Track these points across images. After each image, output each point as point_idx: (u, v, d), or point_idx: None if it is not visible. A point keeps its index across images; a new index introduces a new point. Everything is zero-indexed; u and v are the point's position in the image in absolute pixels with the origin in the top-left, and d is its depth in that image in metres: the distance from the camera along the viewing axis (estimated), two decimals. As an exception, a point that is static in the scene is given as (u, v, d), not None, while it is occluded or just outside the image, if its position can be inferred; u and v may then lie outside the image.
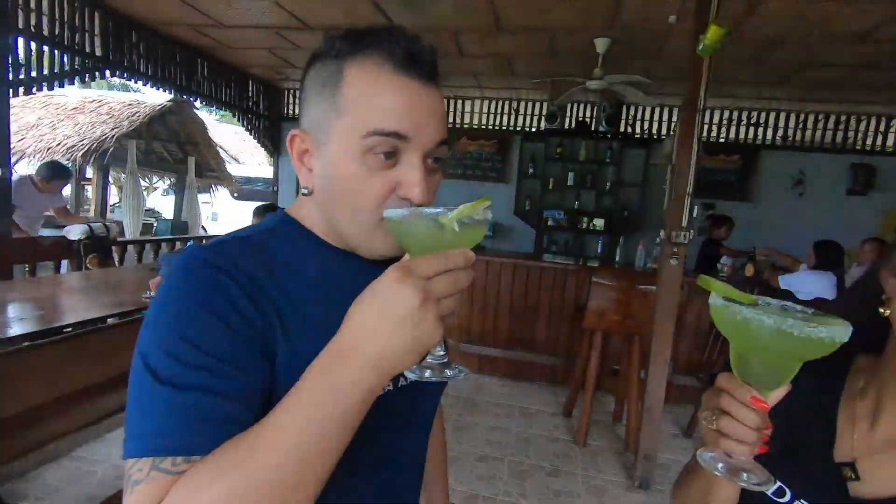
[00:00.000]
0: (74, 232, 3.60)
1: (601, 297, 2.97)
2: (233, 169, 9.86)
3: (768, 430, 0.49)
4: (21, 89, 3.51)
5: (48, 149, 5.71)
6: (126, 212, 6.59)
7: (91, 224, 3.82)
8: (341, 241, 0.61)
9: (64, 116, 6.18)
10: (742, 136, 5.71)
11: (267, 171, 9.36)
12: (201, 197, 8.56)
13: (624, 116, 5.86)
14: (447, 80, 5.51)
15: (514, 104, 6.21)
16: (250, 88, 6.08)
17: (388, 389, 0.59)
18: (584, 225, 5.89)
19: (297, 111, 6.76)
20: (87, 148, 5.65)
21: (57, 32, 3.65)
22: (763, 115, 5.62)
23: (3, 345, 1.76)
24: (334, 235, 0.61)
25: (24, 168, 6.36)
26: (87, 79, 3.98)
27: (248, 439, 0.44)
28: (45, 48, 3.63)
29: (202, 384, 0.46)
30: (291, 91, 6.71)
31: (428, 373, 0.49)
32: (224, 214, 12.14)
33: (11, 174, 3.54)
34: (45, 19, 3.57)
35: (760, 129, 5.65)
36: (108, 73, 4.11)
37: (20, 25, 3.42)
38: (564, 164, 5.93)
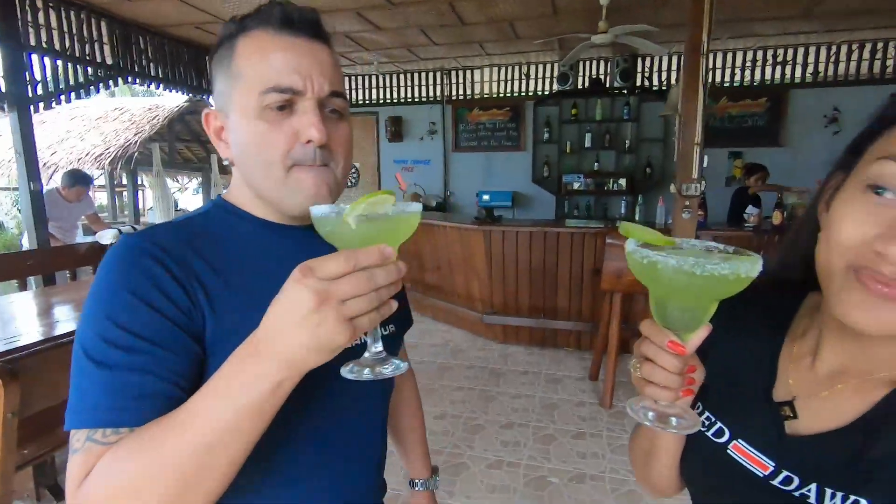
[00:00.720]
0: (106, 237, 3.78)
1: (616, 258, 2.92)
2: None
3: (692, 373, 0.49)
4: (41, 105, 3.67)
5: (79, 159, 5.97)
6: (157, 213, 6.86)
7: (120, 228, 4.01)
8: (267, 212, 0.65)
9: (90, 127, 6.44)
10: (769, 76, 5.40)
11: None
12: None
13: (640, 69, 5.62)
14: (451, 52, 5.41)
15: (524, 69, 6.05)
16: (260, 81, 6.15)
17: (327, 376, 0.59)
18: (608, 186, 5.75)
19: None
20: (113, 155, 5.88)
21: (67, 45, 3.78)
22: (791, 51, 5.28)
23: (51, 342, 1.89)
24: (261, 206, 0.65)
25: (59, 179, 6.70)
26: (100, 88, 4.11)
27: (168, 420, 0.47)
28: (59, 62, 3.77)
29: (129, 363, 0.50)
30: (301, 79, 6.74)
31: (367, 372, 0.49)
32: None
33: (42, 187, 3.73)
34: (55, 34, 3.69)
35: (788, 68, 5.32)
36: (120, 80, 4.24)
37: (32, 43, 3.55)
38: (580, 125, 5.78)
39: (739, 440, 0.53)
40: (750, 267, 0.42)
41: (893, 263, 0.40)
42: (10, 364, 1.34)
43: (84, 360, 0.50)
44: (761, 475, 0.50)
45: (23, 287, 3.47)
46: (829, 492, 0.45)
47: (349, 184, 6.88)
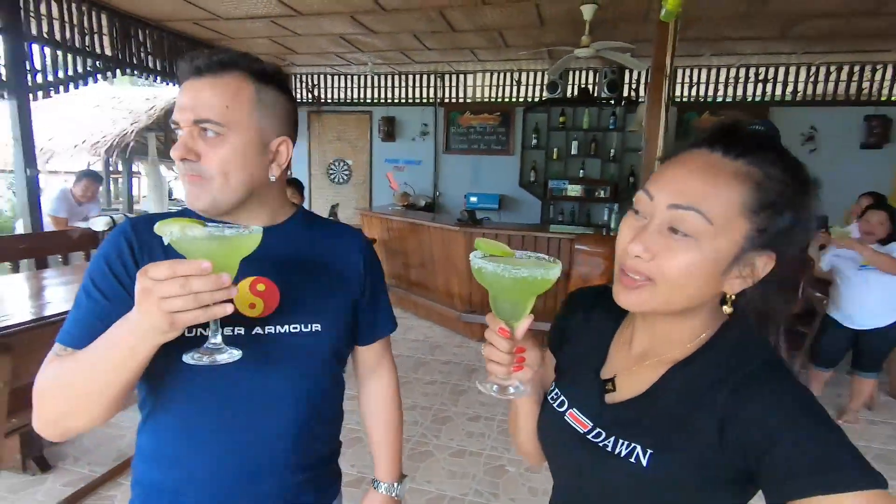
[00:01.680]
0: (98, 224, 3.91)
1: (584, 263, 3.08)
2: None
3: (521, 352, 0.63)
4: (40, 93, 3.78)
5: (75, 146, 6.08)
6: (151, 201, 6.97)
7: (113, 216, 4.13)
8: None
9: (88, 115, 6.54)
10: (750, 93, 5.58)
11: (283, 156, 9.61)
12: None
13: (627, 81, 5.79)
14: (445, 56, 5.55)
15: (515, 76, 6.20)
16: (257, 76, 6.26)
17: (237, 335, 0.74)
18: (593, 194, 5.91)
19: (304, 96, 6.87)
20: (110, 143, 5.99)
21: (68, 37, 3.89)
22: (772, 70, 5.46)
23: (41, 321, 2.03)
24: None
25: (55, 164, 6.79)
26: (98, 79, 4.23)
27: (76, 355, 0.66)
28: (59, 53, 3.88)
29: (87, 306, 0.72)
30: (298, 76, 6.87)
31: (205, 359, 0.62)
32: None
33: (38, 173, 3.85)
34: (55, 25, 3.81)
35: (769, 86, 5.50)
36: (118, 72, 4.36)
37: (34, 32, 3.67)
38: (568, 132, 5.94)
39: (574, 408, 0.68)
40: (546, 272, 0.57)
41: (631, 256, 0.57)
42: (2, 339, 1.48)
43: (75, 300, 0.74)
44: (582, 432, 0.65)
45: (15, 270, 3.59)
46: (621, 441, 0.60)
47: (341, 180, 7.02)
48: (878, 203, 3.50)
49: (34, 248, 3.57)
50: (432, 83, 6.50)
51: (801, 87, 5.42)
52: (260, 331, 0.76)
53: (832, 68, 5.28)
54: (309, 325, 0.80)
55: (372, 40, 4.94)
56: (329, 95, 6.91)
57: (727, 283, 0.58)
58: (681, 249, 0.55)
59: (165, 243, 0.58)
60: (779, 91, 5.48)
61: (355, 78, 6.77)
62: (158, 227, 0.58)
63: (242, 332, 0.75)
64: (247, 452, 0.77)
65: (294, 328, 0.79)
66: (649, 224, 0.58)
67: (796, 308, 3.06)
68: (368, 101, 6.78)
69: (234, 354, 0.64)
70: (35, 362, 1.56)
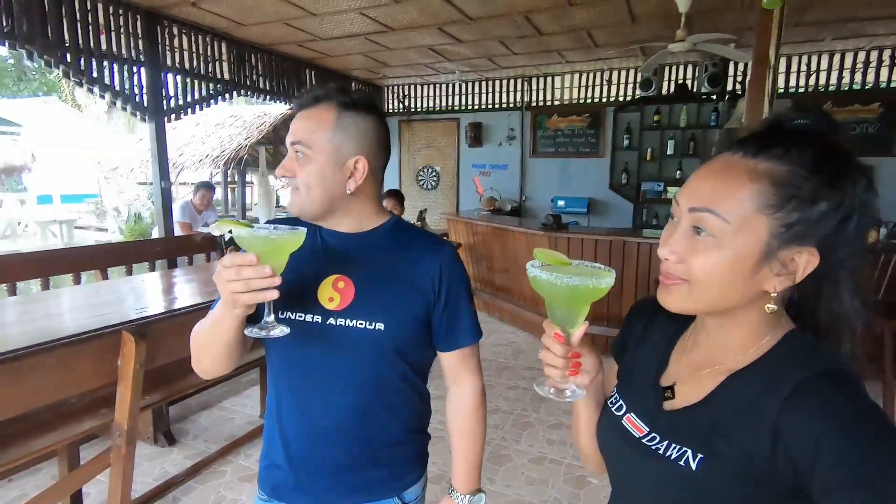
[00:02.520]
0: (216, 229, 4.41)
1: (677, 270, 2.89)
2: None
3: (576, 357, 0.65)
4: (173, 116, 4.36)
5: (200, 160, 6.88)
6: (261, 208, 7.67)
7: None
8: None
9: (210, 132, 7.37)
10: (884, 78, 4.90)
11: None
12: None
13: (732, 74, 5.35)
14: (531, 60, 5.52)
15: (606, 75, 6.00)
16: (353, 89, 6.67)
17: (315, 322, 0.90)
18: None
19: (395, 106, 7.19)
20: (227, 157, 6.70)
21: (195, 65, 4.45)
22: (912, 51, 4.75)
23: (170, 314, 2.35)
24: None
25: (185, 177, 7.74)
26: (219, 101, 4.77)
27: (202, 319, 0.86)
28: (188, 79, 4.45)
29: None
30: (391, 87, 7.20)
31: (261, 332, 0.77)
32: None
33: (171, 185, 4.43)
34: (185, 55, 4.37)
35: (908, 69, 4.79)
36: (235, 93, 4.89)
37: (168, 63, 4.24)
38: (663, 132, 5.63)
39: (632, 413, 0.68)
40: (599, 280, 0.59)
41: (660, 259, 0.60)
42: (140, 327, 1.74)
43: None
44: (637, 436, 0.65)
45: (151, 268, 4.17)
46: (673, 445, 0.60)
47: (430, 186, 7.23)
48: None
49: (167, 251, 4.11)
50: (519, 87, 6.49)
51: (951, 68, 4.66)
52: (332, 321, 0.89)
53: None
54: (373, 324, 0.89)
55: (459, 49, 5.06)
56: (418, 104, 7.16)
57: (765, 282, 0.56)
58: (703, 250, 0.56)
59: (226, 239, 0.75)
60: (922, 74, 4.75)
61: (443, 86, 6.95)
62: (217, 226, 0.75)
63: (319, 320, 0.89)
64: (315, 417, 0.93)
65: (360, 324, 0.89)
66: (677, 228, 0.59)
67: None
68: (456, 108, 6.93)
69: (284, 331, 0.79)
70: (163, 349, 1.81)
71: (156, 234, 4.67)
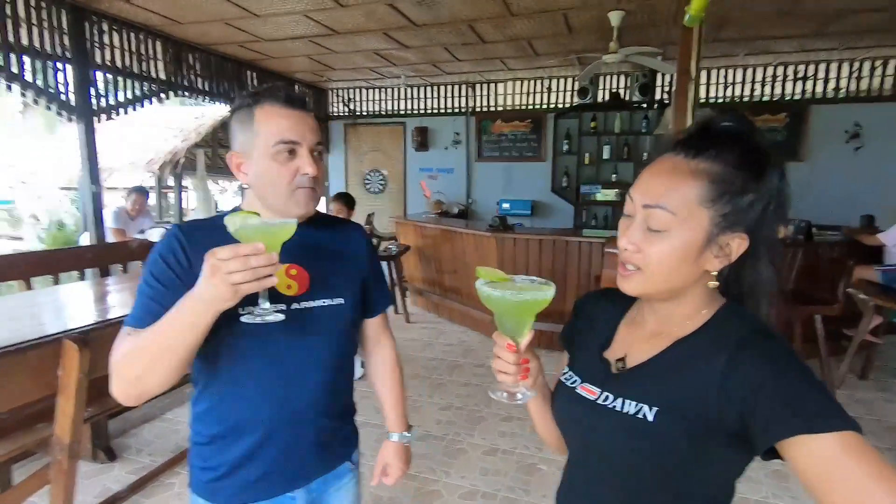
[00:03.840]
0: (154, 235, 4.22)
1: (614, 266, 3.10)
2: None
3: (525, 363, 0.74)
4: (103, 116, 4.13)
5: (132, 163, 6.52)
6: (200, 213, 7.37)
7: (167, 227, 4.44)
8: (271, 215, 0.95)
9: (143, 134, 7.00)
10: (789, 91, 5.44)
11: (321, 168, 9.97)
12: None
13: (659, 84, 5.75)
14: (475, 67, 5.68)
15: (545, 83, 6.26)
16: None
17: (281, 310, 0.89)
18: (625, 197, 5.87)
19: (340, 110, 7.15)
20: (162, 160, 6.39)
21: (127, 63, 4.24)
22: (811, 67, 5.31)
23: (107, 322, 2.24)
24: (265, 213, 0.95)
25: (115, 181, 7.29)
26: (154, 101, 4.56)
27: (150, 327, 0.80)
28: (119, 78, 4.23)
29: (149, 294, 0.88)
30: (335, 91, 7.15)
31: (258, 319, 0.81)
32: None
33: (102, 189, 4.19)
34: (116, 53, 4.15)
35: (809, 83, 5.35)
36: (171, 94, 4.69)
37: (98, 61, 4.01)
38: (600, 137, 5.94)
39: (585, 382, 0.77)
40: (542, 294, 0.68)
41: (620, 251, 0.69)
42: (83, 335, 1.67)
43: (137, 291, 0.90)
44: (591, 398, 0.74)
45: (81, 278, 3.92)
46: (628, 401, 0.69)
47: (377, 190, 7.23)
48: None
49: (98, 258, 3.88)
50: (463, 93, 6.63)
51: (843, 83, 5.25)
52: (297, 306, 0.95)
53: (877, 63, 5.10)
54: (335, 299, 1.00)
55: (404, 54, 5.12)
56: (364, 108, 7.15)
57: (707, 263, 0.67)
58: (657, 240, 0.66)
59: (232, 230, 0.77)
60: (819, 88, 5.32)
61: (389, 90, 6.99)
62: (229, 219, 0.78)
63: (284, 307, 0.93)
64: (291, 400, 0.96)
65: (323, 302, 0.99)
66: (633, 222, 0.69)
67: (835, 310, 2.99)
68: (402, 112, 6.98)
69: (278, 316, 0.83)
70: (105, 359, 1.75)
71: (83, 241, 4.39)
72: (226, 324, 0.82)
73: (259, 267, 0.72)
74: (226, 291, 0.72)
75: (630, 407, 0.68)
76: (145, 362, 0.80)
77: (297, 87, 6.54)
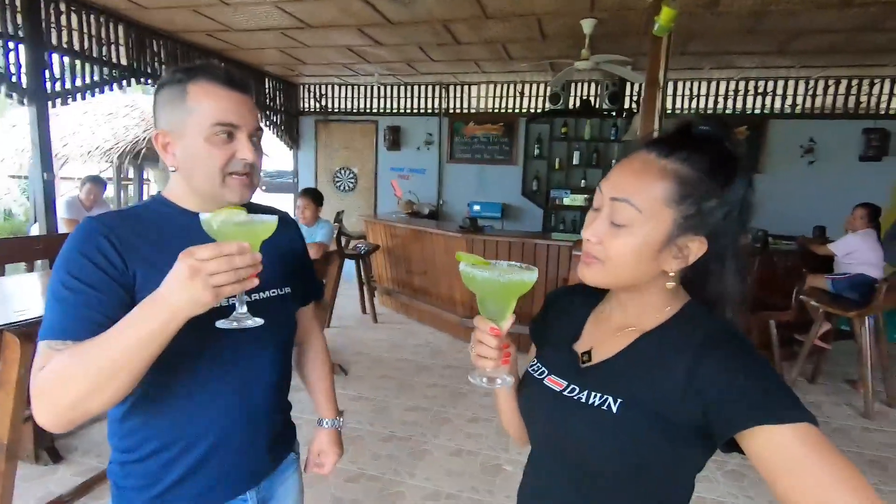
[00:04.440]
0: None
1: (582, 270, 3.14)
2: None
3: (507, 348, 0.72)
4: (58, 101, 3.92)
5: (89, 152, 6.23)
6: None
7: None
8: (197, 204, 0.88)
9: (102, 122, 6.70)
10: (749, 105, 5.66)
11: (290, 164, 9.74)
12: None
13: (629, 93, 5.89)
14: (449, 68, 5.68)
15: (518, 87, 6.33)
16: (267, 85, 6.42)
17: (232, 304, 0.81)
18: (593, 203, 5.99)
19: (311, 106, 7.02)
20: (122, 150, 6.14)
21: (86, 46, 4.04)
22: (770, 84, 5.55)
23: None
24: (195, 200, 0.88)
25: (70, 170, 6.95)
26: (114, 87, 4.37)
27: (94, 339, 0.69)
28: (77, 62, 4.03)
29: (75, 299, 0.75)
30: (307, 86, 7.02)
31: (234, 324, 0.75)
32: (255, 207, 12.75)
33: (54, 177, 3.98)
34: (74, 35, 3.96)
35: (768, 98, 5.58)
36: (133, 81, 4.50)
37: (54, 42, 3.81)
38: (570, 143, 6.04)
39: (553, 374, 0.77)
40: (527, 276, 0.67)
41: (584, 241, 0.70)
42: (25, 328, 1.57)
43: (50, 297, 0.77)
44: (558, 390, 0.74)
45: (30, 269, 3.71)
46: (594, 394, 0.69)
47: (347, 188, 7.14)
48: (872, 213, 3.62)
49: (48, 249, 3.68)
50: (437, 94, 6.63)
51: (800, 99, 5.50)
52: (248, 299, 0.83)
53: (830, 82, 5.37)
54: (283, 289, 0.97)
55: (378, 52, 5.07)
56: (336, 105, 7.06)
57: (665, 263, 0.68)
58: (620, 234, 0.67)
59: (215, 227, 0.70)
60: (778, 104, 5.56)
61: (362, 88, 6.91)
62: (213, 217, 0.70)
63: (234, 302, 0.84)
64: (246, 402, 0.91)
65: (272, 293, 0.95)
66: (599, 214, 0.69)
67: (789, 316, 3.12)
68: (374, 110, 6.92)
69: (256, 321, 0.76)
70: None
71: (33, 232, 4.15)
72: (188, 329, 0.70)
73: (242, 268, 0.66)
74: (205, 295, 0.64)
75: (595, 399, 0.69)
76: (90, 382, 0.68)
77: (267, 80, 6.40)
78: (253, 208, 0.96)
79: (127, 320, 0.68)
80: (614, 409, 0.66)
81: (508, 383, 0.72)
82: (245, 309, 0.76)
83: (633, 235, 0.66)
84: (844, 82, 5.32)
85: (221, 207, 0.78)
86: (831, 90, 5.38)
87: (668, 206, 0.65)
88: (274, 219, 0.75)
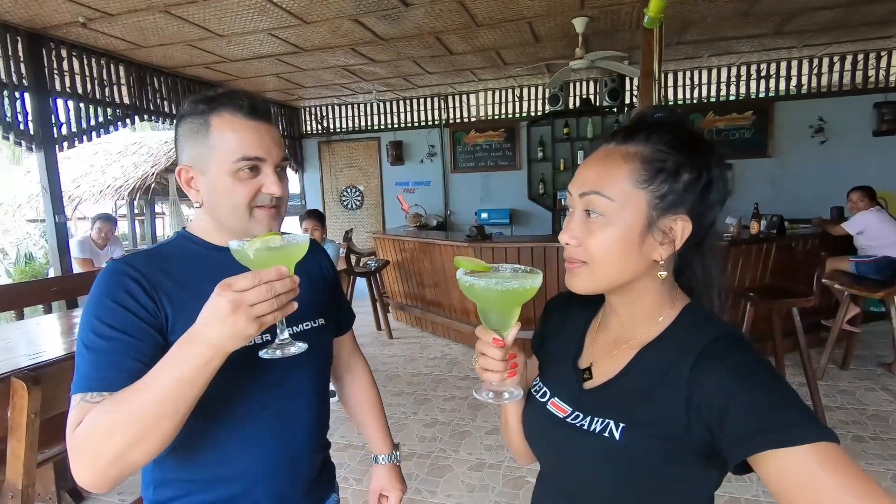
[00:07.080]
0: (123, 263, 4.09)
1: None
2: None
3: (513, 359, 0.68)
4: (65, 144, 4.01)
5: (101, 191, 6.37)
6: (174, 240, 7.21)
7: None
8: (223, 239, 0.82)
9: (111, 161, 6.86)
10: (754, 90, 5.56)
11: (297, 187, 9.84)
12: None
13: (628, 88, 5.83)
14: (446, 79, 5.69)
15: (516, 92, 6.31)
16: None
17: (267, 340, 0.80)
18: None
19: (313, 128, 7.10)
20: (132, 187, 6.26)
21: (89, 89, 4.14)
22: (773, 66, 5.44)
23: (69, 356, 2.14)
24: (221, 234, 0.85)
25: (84, 210, 7.11)
26: (119, 127, 4.46)
27: (133, 386, 0.66)
28: (81, 105, 4.13)
29: (108, 348, 0.72)
30: (307, 109, 7.10)
31: (278, 352, 0.71)
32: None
33: (66, 219, 4.06)
34: (77, 79, 4.06)
35: (773, 81, 5.47)
36: (136, 118, 4.60)
37: (58, 88, 3.91)
38: (573, 143, 5.99)
39: (555, 398, 0.72)
40: (530, 282, 0.62)
41: (564, 246, 0.66)
42: (33, 372, 1.58)
43: (81, 348, 0.73)
44: (562, 416, 0.70)
45: (48, 311, 3.77)
46: (596, 419, 0.65)
47: (354, 206, 7.18)
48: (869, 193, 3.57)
49: (64, 290, 3.75)
50: (436, 105, 6.64)
51: (805, 80, 5.38)
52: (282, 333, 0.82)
53: (836, 59, 5.24)
54: (317, 321, 0.93)
55: (374, 69, 5.11)
56: (337, 125, 7.12)
57: (653, 252, 0.64)
58: (597, 229, 0.63)
59: (252, 256, 0.67)
60: (783, 86, 5.45)
61: (361, 106, 6.97)
62: (248, 245, 0.67)
63: (269, 337, 0.81)
64: (285, 439, 0.87)
65: (307, 325, 0.91)
66: (572, 215, 0.67)
67: (811, 302, 3.01)
68: (375, 127, 6.96)
69: (301, 346, 0.74)
70: (64, 395, 1.65)
71: (52, 274, 4.24)
72: (222, 368, 0.66)
73: (283, 294, 0.63)
74: (249, 327, 0.61)
75: (597, 425, 0.65)
76: (133, 432, 0.64)
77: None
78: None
79: (165, 362, 0.64)
80: (616, 434, 0.62)
81: (516, 397, 0.68)
82: (287, 335, 0.73)
83: (611, 226, 0.63)
84: (850, 58, 5.19)
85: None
86: (837, 67, 5.26)
87: (639, 187, 0.62)
88: (306, 237, 0.73)
